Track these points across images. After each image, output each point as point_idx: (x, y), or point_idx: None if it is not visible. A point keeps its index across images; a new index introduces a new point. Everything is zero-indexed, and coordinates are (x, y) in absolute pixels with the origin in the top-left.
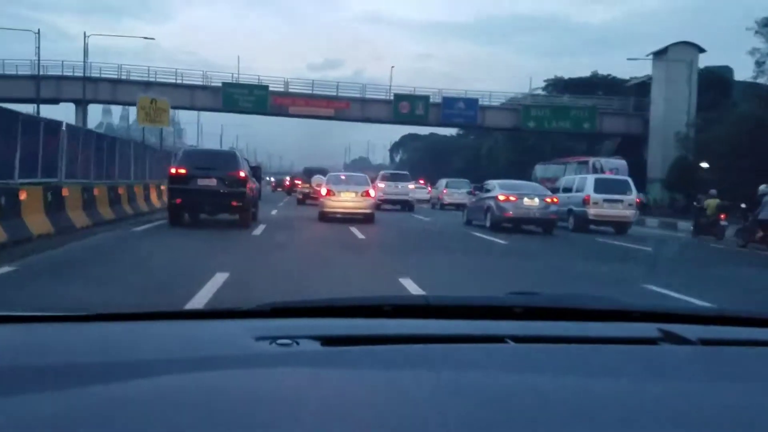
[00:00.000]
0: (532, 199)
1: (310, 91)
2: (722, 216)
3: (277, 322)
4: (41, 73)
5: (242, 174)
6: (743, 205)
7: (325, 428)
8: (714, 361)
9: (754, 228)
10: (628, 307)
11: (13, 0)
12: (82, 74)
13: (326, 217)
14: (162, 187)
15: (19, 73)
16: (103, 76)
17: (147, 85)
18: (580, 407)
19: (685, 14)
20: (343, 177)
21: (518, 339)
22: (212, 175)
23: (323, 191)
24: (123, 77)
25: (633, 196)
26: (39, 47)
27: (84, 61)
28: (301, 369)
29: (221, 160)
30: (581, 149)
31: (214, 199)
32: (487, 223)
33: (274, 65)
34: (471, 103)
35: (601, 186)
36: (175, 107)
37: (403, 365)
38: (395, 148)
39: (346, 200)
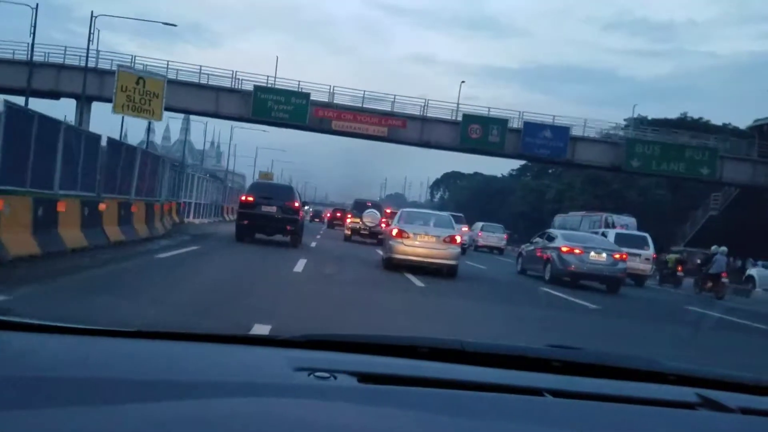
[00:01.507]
0: (599, 253)
1: (359, 105)
2: (679, 268)
3: (315, 354)
4: (42, 60)
5: (296, 204)
6: (698, 261)
7: None
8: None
9: (705, 279)
10: (667, 368)
11: (67, 17)
12: (86, 63)
13: (394, 265)
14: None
15: (16, 57)
16: (112, 68)
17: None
18: None
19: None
20: (421, 215)
21: (556, 393)
22: (273, 204)
23: (393, 231)
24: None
25: (650, 251)
26: (35, 25)
27: (87, 48)
28: (338, 403)
29: (281, 192)
30: (673, 201)
31: (273, 222)
32: (546, 276)
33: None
34: (560, 132)
35: (621, 240)
36: (196, 113)
37: (439, 410)
38: (436, 185)
39: (425, 246)
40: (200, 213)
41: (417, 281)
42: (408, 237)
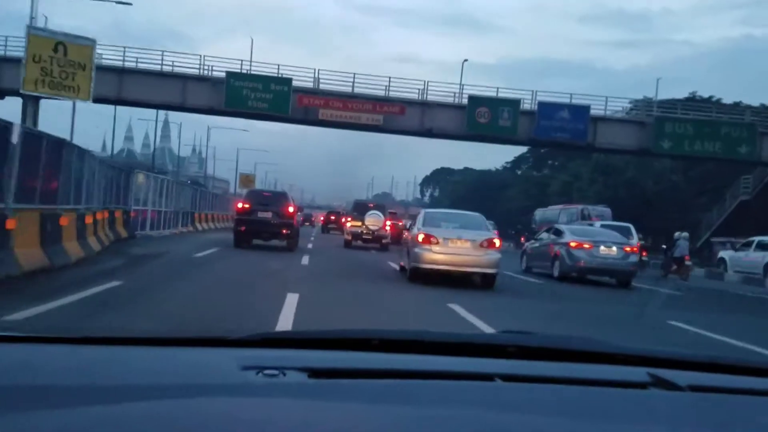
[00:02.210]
0: (609, 247)
1: (349, 90)
2: (644, 253)
3: (266, 352)
4: None
5: (291, 209)
6: (664, 246)
7: None
8: (703, 408)
9: (670, 263)
10: (619, 349)
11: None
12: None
13: (420, 275)
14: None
15: None
16: None
17: (121, 72)
18: None
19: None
20: (447, 216)
21: (507, 378)
22: (269, 210)
23: (419, 237)
24: None
25: (634, 241)
26: None
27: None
28: (286, 400)
29: (276, 198)
30: (687, 187)
31: (270, 227)
32: (555, 273)
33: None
34: (580, 112)
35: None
36: (158, 106)
37: (389, 400)
38: (426, 183)
39: (459, 253)
40: (162, 223)
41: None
42: (437, 243)
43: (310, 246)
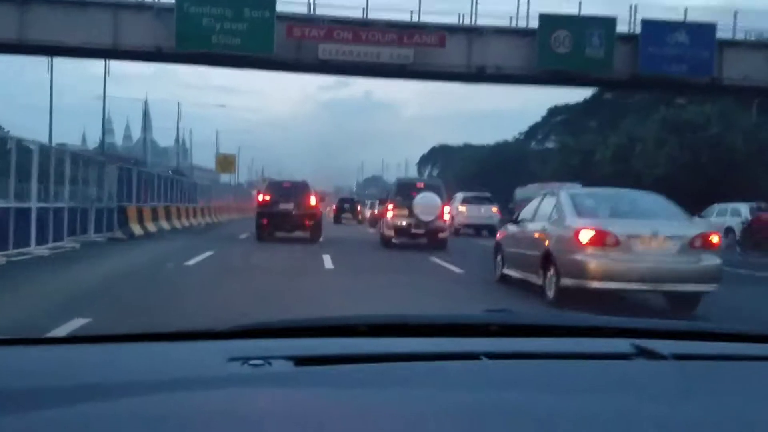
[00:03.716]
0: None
1: (361, 15)
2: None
3: (251, 343)
4: None
5: (313, 199)
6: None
7: None
8: (687, 376)
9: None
10: (603, 323)
11: None
12: None
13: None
14: None
15: None
16: None
17: (22, 3)
18: (552, 422)
19: None
20: (611, 197)
21: (492, 356)
22: (290, 201)
23: (584, 235)
24: None
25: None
26: None
27: None
28: (272, 389)
29: (297, 189)
30: None
31: (292, 219)
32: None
33: (282, 86)
34: (702, 34)
35: None
36: (78, 51)
37: (376, 384)
38: (424, 162)
39: (655, 261)
40: (35, 232)
41: None
42: (617, 245)
43: (327, 256)
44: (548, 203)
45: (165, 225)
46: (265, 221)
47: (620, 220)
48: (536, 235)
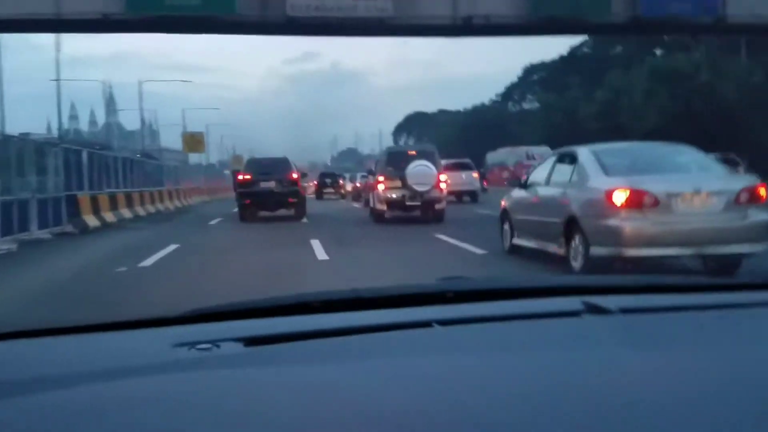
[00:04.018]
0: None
1: None
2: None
3: (199, 327)
4: None
5: (295, 176)
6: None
7: (245, 429)
8: (632, 329)
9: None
10: (554, 282)
11: None
12: None
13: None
14: None
15: None
16: None
17: None
18: (502, 381)
19: None
20: (637, 153)
21: (444, 322)
22: (271, 179)
23: (616, 196)
24: None
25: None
26: None
27: None
28: (220, 371)
29: (277, 165)
30: None
31: (275, 197)
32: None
33: (248, 63)
34: None
35: None
36: (11, 25)
37: (327, 358)
38: (399, 131)
39: (699, 220)
40: None
41: None
42: (656, 205)
43: (316, 242)
44: (564, 164)
45: (126, 213)
46: (247, 201)
47: (655, 176)
48: (555, 200)
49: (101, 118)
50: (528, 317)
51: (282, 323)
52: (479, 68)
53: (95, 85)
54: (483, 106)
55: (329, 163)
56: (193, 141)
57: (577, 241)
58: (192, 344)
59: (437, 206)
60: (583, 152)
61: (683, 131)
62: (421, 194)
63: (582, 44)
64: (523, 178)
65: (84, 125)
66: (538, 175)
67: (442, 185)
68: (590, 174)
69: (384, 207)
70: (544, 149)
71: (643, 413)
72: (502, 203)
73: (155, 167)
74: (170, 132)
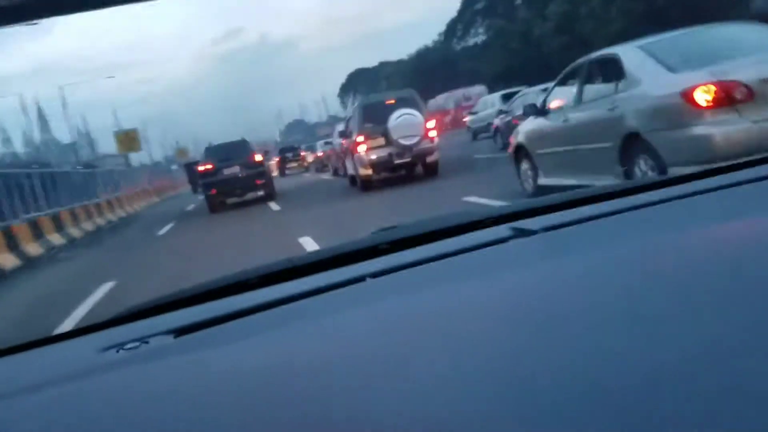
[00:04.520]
0: None
1: None
2: None
3: (127, 327)
4: None
5: (258, 157)
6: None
7: (176, 420)
8: (553, 245)
9: None
10: (484, 215)
11: None
12: None
13: None
14: None
15: None
16: None
17: None
18: (435, 322)
19: None
20: (709, 37)
21: (377, 274)
22: (234, 164)
23: (699, 95)
24: None
25: None
26: None
27: None
28: (147, 366)
29: (237, 149)
30: None
31: (241, 182)
32: None
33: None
34: None
35: None
36: None
37: (258, 333)
38: (345, 92)
39: None
40: None
41: None
42: (751, 97)
43: (308, 239)
44: (598, 75)
45: (57, 239)
46: (213, 191)
47: (734, 63)
48: (599, 119)
49: (36, 137)
50: (459, 253)
51: (214, 307)
52: (412, 13)
53: (21, 103)
54: (427, 48)
55: (278, 139)
56: (128, 139)
57: (642, 164)
58: (120, 345)
59: (429, 159)
60: (628, 52)
61: (652, 31)
62: (410, 148)
63: None
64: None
65: (19, 147)
66: (560, 96)
67: (432, 133)
68: (648, 75)
69: (369, 171)
70: (480, 89)
71: (563, 323)
72: (512, 139)
73: (87, 176)
74: (108, 137)
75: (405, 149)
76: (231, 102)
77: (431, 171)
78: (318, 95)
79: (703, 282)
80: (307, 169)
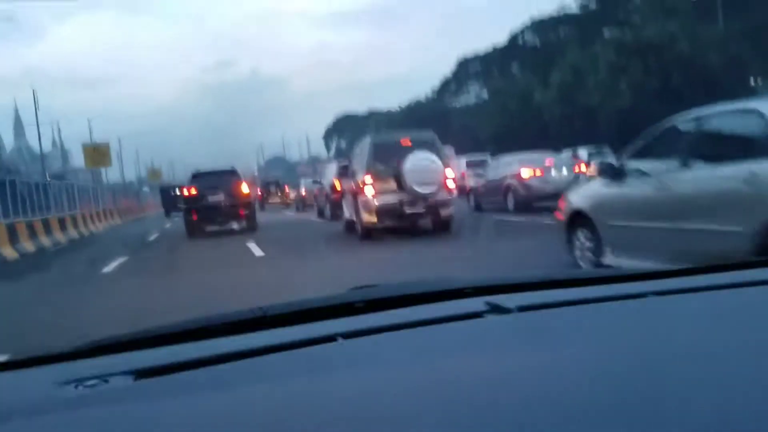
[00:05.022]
0: None
1: None
2: None
3: (88, 362)
4: None
5: (245, 188)
6: None
7: None
8: (528, 326)
9: None
10: (461, 284)
11: None
12: None
13: None
14: None
15: None
16: None
17: None
18: (406, 390)
19: None
20: None
21: (349, 335)
22: (219, 191)
23: None
24: None
25: None
26: None
27: None
28: (106, 408)
29: (225, 177)
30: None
31: (224, 211)
32: None
33: (162, 74)
34: None
35: None
36: None
37: (223, 385)
38: (330, 135)
39: None
40: None
41: None
42: None
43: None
44: (722, 130)
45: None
46: (194, 216)
47: None
48: (725, 192)
49: (10, 143)
50: (433, 322)
51: (178, 351)
52: (403, 68)
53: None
54: (418, 102)
55: (256, 173)
56: (98, 154)
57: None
58: (78, 381)
59: (444, 212)
60: None
61: (662, 108)
62: (425, 197)
63: (523, 31)
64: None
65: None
66: (648, 154)
67: (451, 184)
68: None
69: (373, 218)
70: (450, 150)
71: (537, 409)
72: (563, 203)
73: (44, 188)
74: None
75: (419, 198)
76: (213, 129)
77: (444, 227)
78: (302, 134)
79: (676, 378)
80: (288, 205)
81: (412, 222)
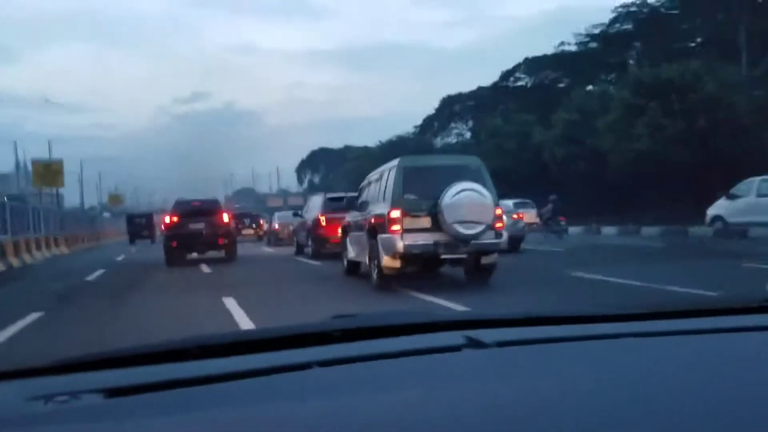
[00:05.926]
0: None
1: None
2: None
3: (57, 378)
4: None
5: (225, 217)
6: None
7: None
8: (506, 361)
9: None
10: (439, 318)
11: None
12: None
13: None
14: None
15: None
16: None
17: None
18: (381, 422)
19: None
20: None
21: (325, 363)
22: (200, 220)
23: None
24: None
25: None
26: None
27: None
28: (75, 425)
29: (206, 206)
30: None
31: (204, 239)
32: None
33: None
34: None
35: None
36: None
37: (193, 408)
38: (303, 168)
39: None
40: None
41: None
42: None
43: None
44: None
45: None
46: (173, 243)
47: None
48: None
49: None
50: (411, 354)
51: (153, 372)
52: (380, 110)
53: None
54: (400, 138)
55: (223, 204)
56: (49, 172)
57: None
58: (49, 397)
59: (485, 260)
60: None
61: (685, 154)
62: (468, 240)
63: (515, 69)
64: None
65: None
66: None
67: (499, 224)
68: None
69: (397, 263)
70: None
71: None
72: None
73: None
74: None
75: (460, 240)
76: (181, 158)
77: (483, 276)
78: (272, 167)
79: (648, 419)
80: (260, 238)
81: (443, 267)
